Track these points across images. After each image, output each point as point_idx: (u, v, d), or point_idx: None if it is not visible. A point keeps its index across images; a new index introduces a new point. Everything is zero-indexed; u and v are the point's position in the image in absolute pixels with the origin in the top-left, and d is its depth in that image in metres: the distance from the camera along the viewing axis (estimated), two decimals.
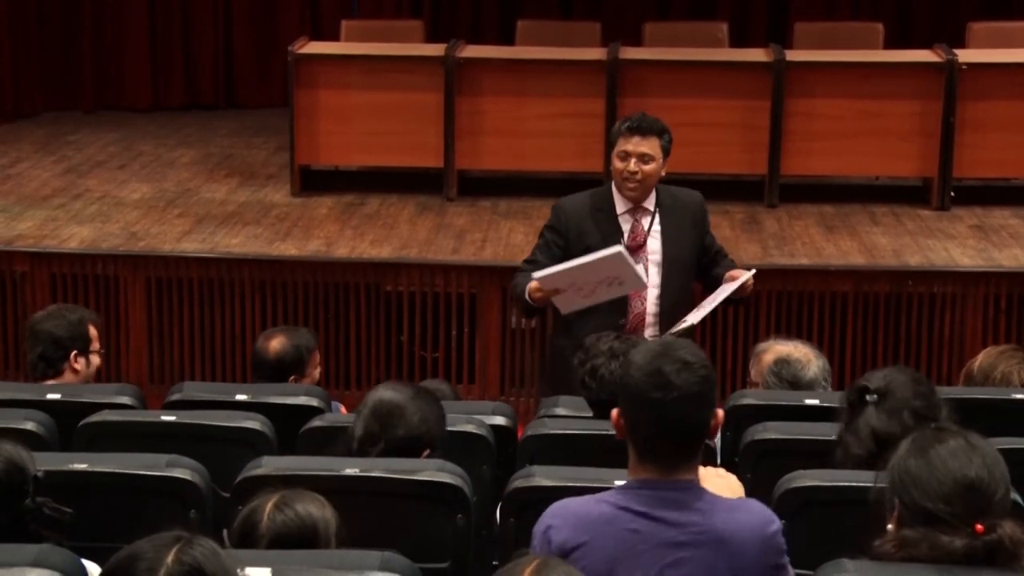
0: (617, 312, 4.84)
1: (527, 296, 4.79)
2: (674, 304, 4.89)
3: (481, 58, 7.88)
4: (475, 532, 3.29)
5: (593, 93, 7.69)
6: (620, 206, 4.89)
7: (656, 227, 4.90)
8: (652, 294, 4.87)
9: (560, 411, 4.03)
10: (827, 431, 3.53)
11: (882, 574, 2.50)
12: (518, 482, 3.26)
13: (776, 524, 2.72)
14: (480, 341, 6.77)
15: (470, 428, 3.71)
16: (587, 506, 2.71)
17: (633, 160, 4.79)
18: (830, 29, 8.51)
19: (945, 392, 3.79)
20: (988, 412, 3.89)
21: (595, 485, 3.12)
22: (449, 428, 3.65)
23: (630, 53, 7.89)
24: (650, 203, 4.90)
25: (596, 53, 7.94)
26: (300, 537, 2.72)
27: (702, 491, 2.70)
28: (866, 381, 3.29)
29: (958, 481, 2.53)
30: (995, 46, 8.03)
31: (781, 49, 7.83)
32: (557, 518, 2.71)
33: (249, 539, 2.74)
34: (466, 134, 7.76)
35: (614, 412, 2.75)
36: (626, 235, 4.87)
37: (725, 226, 7.38)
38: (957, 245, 7.02)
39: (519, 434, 3.93)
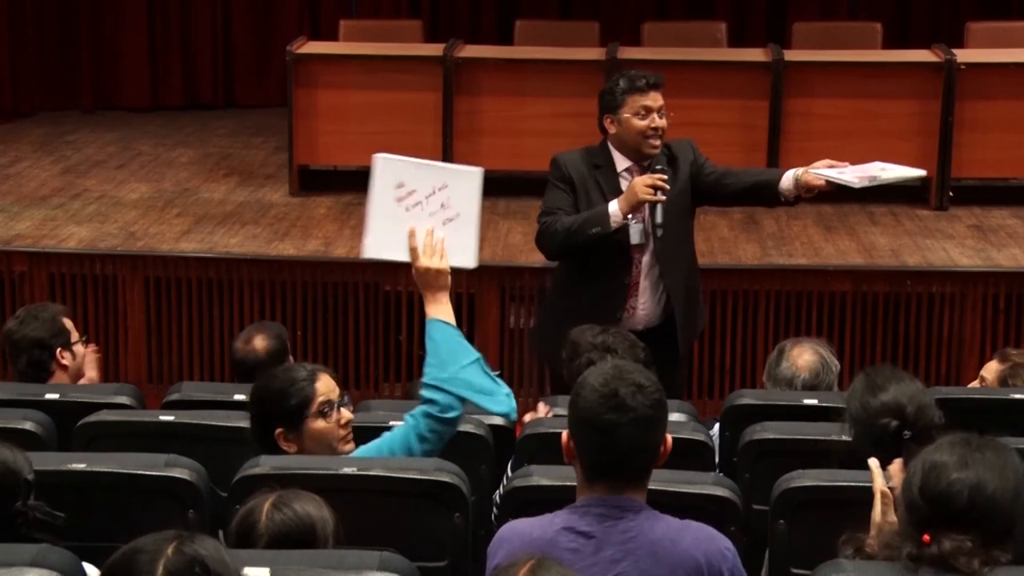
0: (622, 270, 4.80)
1: (613, 218, 4.66)
2: (673, 262, 4.85)
3: (480, 58, 7.88)
4: (473, 531, 3.29)
5: (591, 93, 7.52)
6: (620, 163, 4.84)
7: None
8: (652, 253, 4.85)
9: (559, 410, 4.03)
10: (826, 431, 3.54)
11: (877, 573, 2.49)
12: (517, 481, 3.26)
13: (719, 545, 2.69)
14: (478, 340, 6.76)
15: (468, 427, 3.71)
16: (532, 528, 2.73)
17: (655, 115, 4.75)
18: (828, 29, 8.51)
19: (943, 393, 3.80)
20: (984, 413, 3.89)
21: (549, 484, 3.13)
22: None
23: (629, 53, 7.89)
24: (646, 161, 4.85)
25: (595, 53, 7.94)
26: (298, 537, 2.72)
27: (648, 511, 2.70)
28: (891, 418, 3.17)
29: (928, 488, 2.49)
30: (994, 46, 8.03)
31: (780, 49, 7.83)
32: (505, 540, 2.73)
33: (247, 539, 2.74)
34: (465, 134, 7.75)
35: (564, 434, 2.75)
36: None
37: (724, 226, 7.38)
38: (956, 245, 7.02)
39: (518, 433, 3.93)
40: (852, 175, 4.68)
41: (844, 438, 3.35)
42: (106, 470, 3.26)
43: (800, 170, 4.72)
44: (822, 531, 3.02)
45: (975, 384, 4.36)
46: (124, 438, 3.69)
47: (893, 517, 2.79)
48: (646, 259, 4.86)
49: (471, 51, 7.97)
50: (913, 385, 3.30)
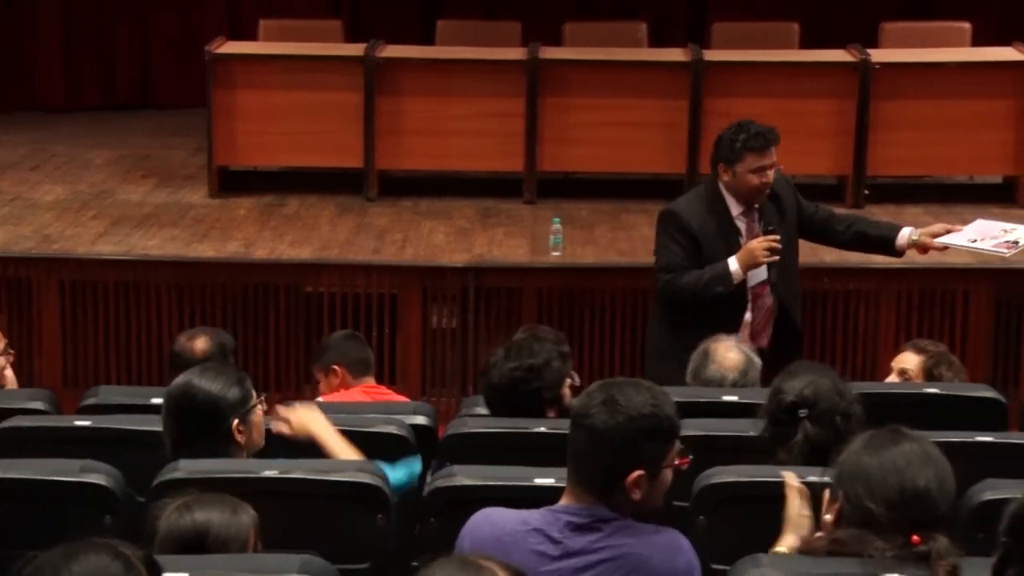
0: (739, 304, 4.99)
1: (735, 277, 4.90)
2: (790, 293, 5.15)
3: (401, 58, 7.86)
4: (396, 532, 3.27)
5: (514, 93, 7.70)
6: (733, 208, 5.05)
7: (760, 224, 5.05)
8: (772, 291, 5.09)
9: (481, 410, 4.03)
10: (745, 427, 3.57)
11: (796, 568, 2.52)
12: (438, 482, 3.26)
13: (687, 557, 2.71)
14: (401, 341, 6.75)
15: (390, 428, 3.70)
16: (507, 519, 2.73)
17: (768, 173, 4.97)
18: (748, 29, 8.58)
19: (859, 387, 3.85)
20: (900, 407, 3.95)
21: (515, 484, 3.13)
22: (369, 429, 3.64)
23: (550, 53, 7.91)
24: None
25: (517, 53, 7.95)
26: (190, 542, 2.70)
27: (621, 523, 2.70)
28: (790, 395, 3.30)
29: (907, 489, 2.55)
30: (907, 46, 8.14)
31: (699, 49, 7.89)
32: (476, 527, 2.73)
33: (151, 543, 2.72)
34: (387, 134, 7.73)
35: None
36: (744, 236, 5.03)
37: (645, 225, 7.41)
38: None
39: (440, 433, 3.92)
40: (984, 242, 5.07)
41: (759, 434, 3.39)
42: (20, 477, 3.21)
43: (916, 232, 5.07)
44: (742, 526, 3.05)
45: (892, 378, 4.41)
46: (39, 444, 3.63)
47: (808, 511, 2.82)
48: (767, 298, 5.09)
49: (393, 51, 7.94)
50: (824, 375, 3.36)
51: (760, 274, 5.03)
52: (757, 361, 4.26)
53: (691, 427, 3.66)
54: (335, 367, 4.80)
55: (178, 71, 10.05)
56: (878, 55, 7.79)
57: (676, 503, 3.41)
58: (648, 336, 5.48)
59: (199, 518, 2.73)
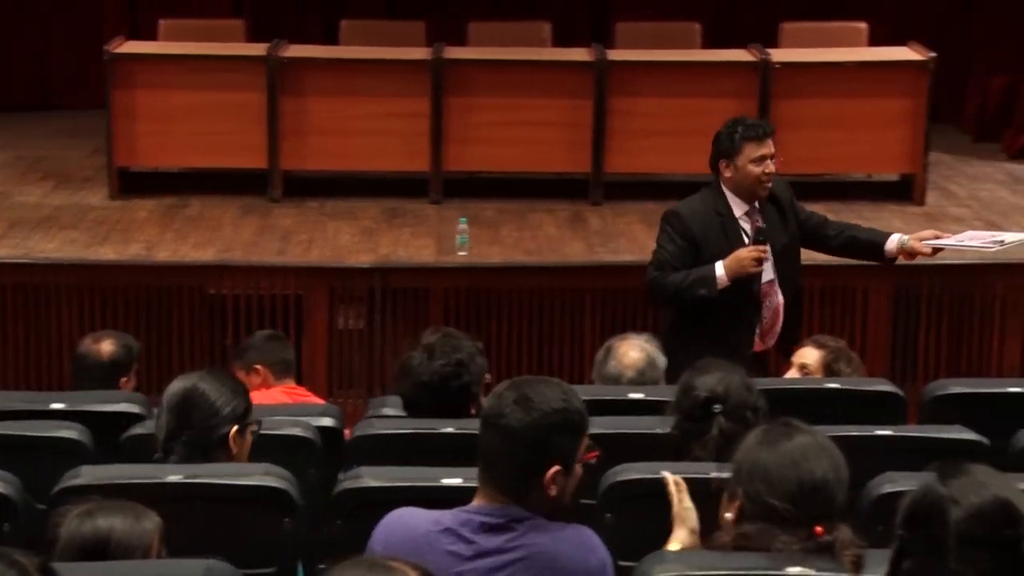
0: (752, 305, 5.03)
1: (719, 282, 4.92)
2: (792, 290, 5.14)
3: (305, 58, 7.82)
4: (304, 535, 3.25)
5: (418, 93, 7.69)
6: (737, 209, 5.08)
7: (762, 224, 5.08)
8: (778, 290, 5.12)
9: (388, 411, 4.01)
10: (652, 425, 3.60)
11: (700, 562, 2.55)
12: (346, 483, 3.24)
13: (599, 555, 2.72)
14: (307, 343, 6.71)
15: (296, 431, 3.67)
16: (420, 520, 2.72)
17: (769, 161, 5.00)
18: (650, 29, 8.65)
19: (762, 383, 3.90)
20: (801, 401, 4.01)
21: (423, 484, 3.13)
22: (275, 431, 3.61)
23: (455, 53, 7.91)
24: (758, 202, 5.10)
25: (421, 53, 7.94)
26: (91, 550, 2.66)
27: (534, 522, 2.70)
28: (703, 391, 3.33)
29: (805, 482, 2.59)
30: (806, 46, 8.26)
31: (603, 49, 7.94)
32: (388, 528, 2.72)
33: (51, 550, 2.67)
34: (291, 134, 7.68)
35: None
36: (749, 236, 5.05)
37: (551, 224, 7.46)
38: None
39: (347, 435, 3.90)
40: (972, 241, 5.23)
41: (670, 430, 3.42)
42: None
43: (906, 238, 5.12)
44: (649, 523, 3.07)
45: (792, 373, 4.47)
46: None
47: (688, 503, 2.87)
48: (775, 297, 5.12)
49: (296, 51, 7.89)
50: (733, 370, 3.40)
51: (767, 273, 5.06)
52: (660, 361, 4.29)
53: (597, 425, 3.68)
54: (257, 366, 4.77)
55: (76, 71, 9.88)
56: (778, 55, 7.90)
57: (583, 501, 3.43)
58: (665, 339, 5.51)
59: (101, 525, 2.69)
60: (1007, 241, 5.20)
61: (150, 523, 2.74)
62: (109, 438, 3.70)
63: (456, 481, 3.10)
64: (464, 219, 7.05)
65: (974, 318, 6.87)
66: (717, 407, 3.30)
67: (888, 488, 3.12)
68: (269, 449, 3.49)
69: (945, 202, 7.87)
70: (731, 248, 4.98)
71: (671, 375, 4.89)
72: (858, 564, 2.52)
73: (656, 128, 7.70)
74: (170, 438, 3.29)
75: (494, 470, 2.72)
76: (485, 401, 2.80)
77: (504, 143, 7.73)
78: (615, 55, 7.94)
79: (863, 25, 8.59)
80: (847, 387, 4.24)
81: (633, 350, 4.27)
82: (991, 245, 5.21)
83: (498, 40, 8.34)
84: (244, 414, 3.35)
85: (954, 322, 6.87)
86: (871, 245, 5.17)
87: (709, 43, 8.59)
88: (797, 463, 2.60)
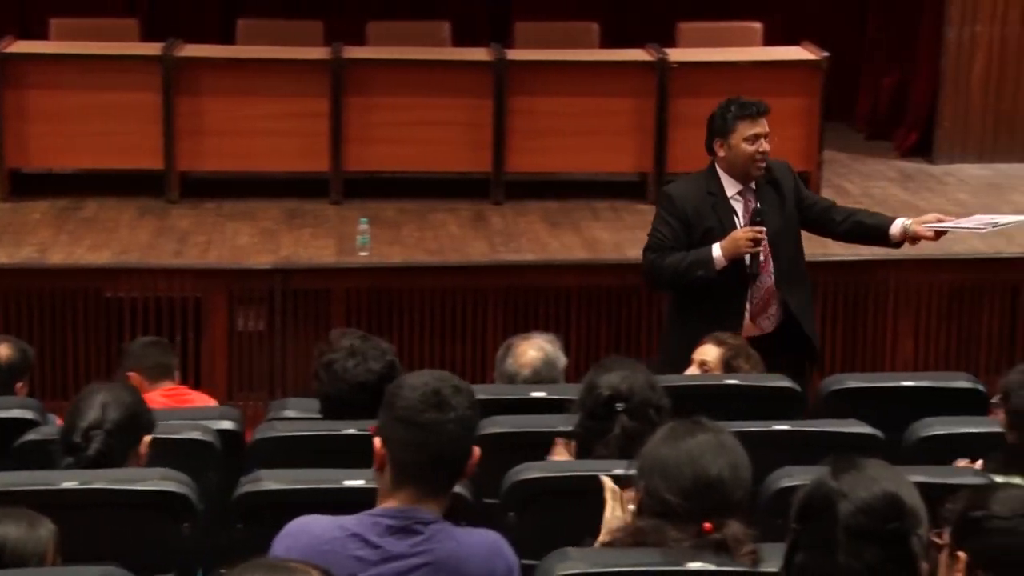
0: (743, 285, 5.03)
1: (716, 263, 4.95)
2: (790, 276, 5.12)
3: (201, 57, 7.73)
4: (203, 540, 3.22)
5: (317, 92, 7.64)
6: (730, 189, 5.09)
7: (758, 205, 5.08)
8: (772, 271, 5.11)
9: (290, 413, 3.98)
10: (554, 423, 3.61)
11: (602, 559, 2.57)
12: (246, 487, 3.21)
13: (506, 559, 2.72)
14: (206, 345, 6.64)
15: (195, 435, 3.63)
16: (324, 527, 2.69)
17: (763, 140, 5.03)
18: (549, 29, 8.68)
19: (665, 380, 3.93)
20: (703, 398, 4.05)
21: (324, 486, 3.11)
22: (174, 436, 3.57)
23: (354, 52, 7.88)
24: (753, 183, 5.11)
25: (319, 52, 7.89)
26: None
27: (441, 525, 2.70)
28: (606, 390, 3.35)
29: (700, 478, 2.62)
30: (702, 45, 8.35)
31: (502, 48, 7.95)
32: (291, 536, 2.69)
33: None
34: (187, 135, 7.58)
35: (376, 440, 2.71)
36: (740, 216, 5.06)
37: (452, 224, 7.46)
38: None
39: (247, 438, 3.87)
40: (968, 223, 5.27)
41: (572, 428, 3.44)
42: None
43: (909, 221, 5.13)
44: (552, 521, 3.09)
45: (693, 369, 4.52)
46: None
47: (621, 512, 2.88)
48: (766, 277, 5.09)
49: (192, 50, 7.79)
50: (636, 368, 3.43)
51: (759, 255, 5.06)
52: (559, 361, 4.29)
53: (500, 424, 3.70)
54: (129, 374, 4.72)
55: None
56: (675, 54, 7.97)
57: (487, 500, 3.44)
58: (666, 316, 5.57)
59: None
60: (1000, 223, 5.24)
61: (45, 531, 2.69)
62: (2, 444, 3.63)
63: (359, 483, 3.08)
64: (365, 219, 7.02)
65: (868, 313, 7.00)
66: (620, 405, 3.31)
67: (785, 482, 3.17)
68: (167, 453, 3.45)
69: (839, 199, 7.99)
70: (722, 228, 5.01)
71: (668, 352, 5.04)
72: (754, 559, 2.56)
73: (556, 127, 7.74)
74: (94, 427, 3.24)
75: (435, 470, 2.68)
76: (402, 400, 2.70)
77: (404, 143, 7.71)
78: (514, 55, 7.96)
79: (758, 25, 8.70)
80: (747, 383, 4.29)
81: (532, 349, 4.27)
82: (985, 227, 5.26)
83: (397, 40, 8.31)
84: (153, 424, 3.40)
85: (849, 317, 6.99)
86: (877, 230, 5.17)
87: (606, 43, 8.64)
88: (694, 460, 2.63)
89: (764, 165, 5.07)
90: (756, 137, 5.04)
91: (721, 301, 5.03)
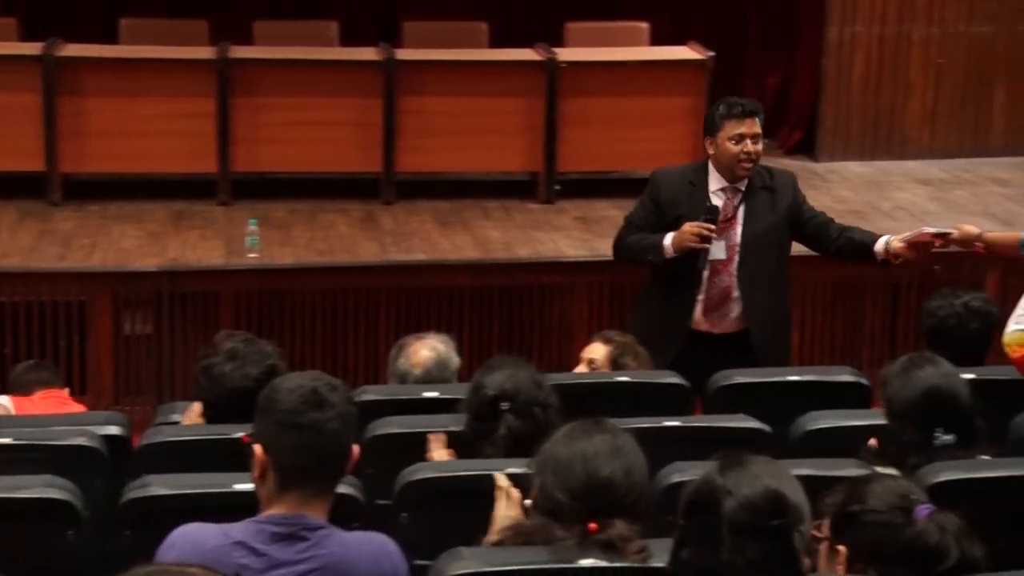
0: (690, 287, 5.06)
1: (665, 251, 5.02)
2: (752, 283, 5.10)
3: (83, 57, 7.59)
4: (90, 547, 3.16)
5: (204, 93, 7.55)
6: (714, 183, 5.10)
7: (742, 208, 5.09)
8: (734, 272, 5.10)
9: (178, 417, 3.93)
10: (446, 423, 3.61)
11: (495, 558, 2.57)
12: (133, 492, 3.17)
13: (394, 561, 2.70)
14: (92, 349, 6.52)
15: (81, 440, 3.56)
16: (208, 535, 2.66)
17: (748, 141, 5.03)
18: (437, 28, 8.67)
19: (555, 379, 3.96)
20: (594, 395, 4.09)
21: (214, 491, 3.07)
22: (58, 442, 3.50)
23: (240, 52, 7.79)
24: (742, 184, 5.10)
25: (205, 52, 7.79)
26: None
27: (327, 530, 2.68)
28: (491, 389, 3.35)
29: (590, 479, 2.64)
30: (590, 45, 8.41)
31: (391, 48, 7.93)
32: (175, 546, 2.65)
33: None
34: (70, 136, 7.44)
35: (256, 448, 2.69)
36: (719, 212, 5.05)
37: (343, 224, 7.42)
38: (564, 237, 7.32)
39: (135, 443, 3.81)
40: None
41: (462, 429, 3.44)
42: None
43: (892, 238, 5.09)
44: (445, 521, 3.09)
45: (581, 368, 4.55)
46: None
47: (514, 511, 2.89)
48: (728, 275, 5.09)
49: (73, 50, 7.65)
50: (522, 367, 3.44)
51: (719, 251, 5.06)
52: (452, 362, 4.29)
53: (392, 425, 3.69)
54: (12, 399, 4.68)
55: None
56: (564, 54, 8.01)
57: (379, 501, 3.43)
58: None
59: None
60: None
61: None
62: None
63: (249, 486, 3.04)
64: (254, 220, 6.96)
65: None
66: (504, 405, 3.32)
67: (675, 478, 3.20)
68: (52, 460, 3.39)
69: None
70: (692, 219, 5.03)
71: (634, 330, 5.05)
72: (642, 556, 2.58)
73: (446, 127, 7.73)
74: None
75: (320, 471, 2.66)
76: (286, 403, 2.67)
77: (293, 143, 7.65)
78: (403, 54, 7.95)
79: (644, 25, 8.78)
80: (638, 380, 4.33)
81: (424, 349, 4.27)
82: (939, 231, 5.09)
83: (284, 39, 8.24)
84: None
85: None
86: (864, 247, 5.14)
87: (495, 43, 8.66)
88: (587, 460, 2.65)
89: (750, 166, 5.08)
90: (741, 137, 5.05)
91: (674, 291, 5.11)
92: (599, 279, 6.92)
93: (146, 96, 7.53)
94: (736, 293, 5.11)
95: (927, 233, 5.04)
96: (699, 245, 4.98)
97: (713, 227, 4.98)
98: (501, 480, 2.96)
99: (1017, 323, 3.84)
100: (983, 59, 8.89)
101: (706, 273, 5.07)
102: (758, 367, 4.83)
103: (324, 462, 2.65)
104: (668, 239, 5.03)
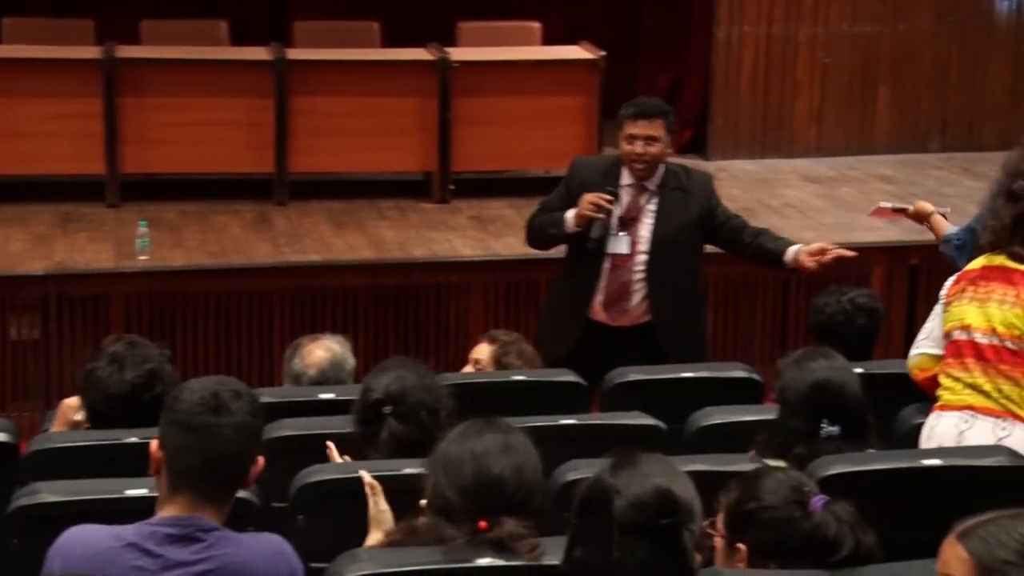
0: (591, 277, 5.10)
1: (567, 224, 5.08)
2: (660, 283, 5.11)
3: None
4: None
5: (90, 93, 7.42)
6: (626, 179, 5.14)
7: (652, 207, 5.12)
8: (638, 269, 5.12)
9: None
10: (341, 424, 3.59)
11: (391, 560, 2.57)
12: (22, 500, 3.11)
13: (289, 563, 2.69)
14: None
15: None
16: (99, 537, 2.63)
17: (639, 143, 5.07)
18: (329, 28, 8.62)
19: (451, 379, 3.96)
20: (490, 394, 4.09)
21: (105, 497, 3.03)
22: None
23: (128, 52, 7.68)
24: (653, 183, 5.14)
25: (91, 52, 7.66)
26: None
27: (222, 533, 2.66)
28: (377, 392, 3.34)
29: (481, 476, 2.64)
30: (483, 45, 8.42)
31: (282, 48, 7.87)
32: (65, 548, 2.61)
33: None
34: None
35: (153, 444, 2.66)
36: (623, 206, 5.09)
37: (235, 226, 7.34)
38: (459, 236, 7.32)
39: (23, 449, 3.74)
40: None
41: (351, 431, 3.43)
42: None
43: (801, 247, 5.13)
44: (341, 523, 3.07)
45: (468, 368, 4.55)
46: None
47: (384, 505, 2.89)
48: (628, 271, 5.11)
49: None
50: (411, 370, 3.42)
51: (621, 246, 5.09)
52: (347, 363, 4.27)
53: (287, 427, 3.67)
54: None
55: None
56: (457, 54, 8.02)
57: (275, 504, 3.41)
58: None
59: None
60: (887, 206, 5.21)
61: None
62: None
63: (141, 491, 3.01)
64: (144, 222, 6.86)
65: None
66: (387, 409, 3.31)
67: (571, 476, 3.22)
68: None
69: None
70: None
71: (539, 321, 5.20)
72: (535, 555, 2.59)
73: (339, 127, 7.69)
74: None
75: (211, 475, 2.63)
76: (181, 405, 2.66)
77: (184, 144, 7.56)
78: (295, 54, 7.89)
79: (536, 25, 8.82)
80: (534, 378, 4.35)
81: (320, 349, 4.24)
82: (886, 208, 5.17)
83: (172, 39, 8.13)
84: None
85: None
86: (774, 255, 5.16)
87: (388, 42, 8.64)
88: (477, 458, 2.66)
89: (641, 167, 5.11)
90: (633, 138, 5.10)
91: (576, 282, 5.18)
92: (495, 278, 6.94)
93: (31, 97, 7.39)
94: (636, 288, 5.16)
95: (886, 208, 5.19)
96: (594, 214, 5.03)
97: (610, 199, 5.04)
98: (366, 477, 2.97)
99: (917, 347, 3.93)
100: (867, 58, 9.07)
101: (607, 265, 5.11)
102: (662, 363, 4.86)
103: (213, 467, 2.63)
104: (570, 212, 5.11)
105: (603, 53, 8.03)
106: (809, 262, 5.05)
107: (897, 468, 3.34)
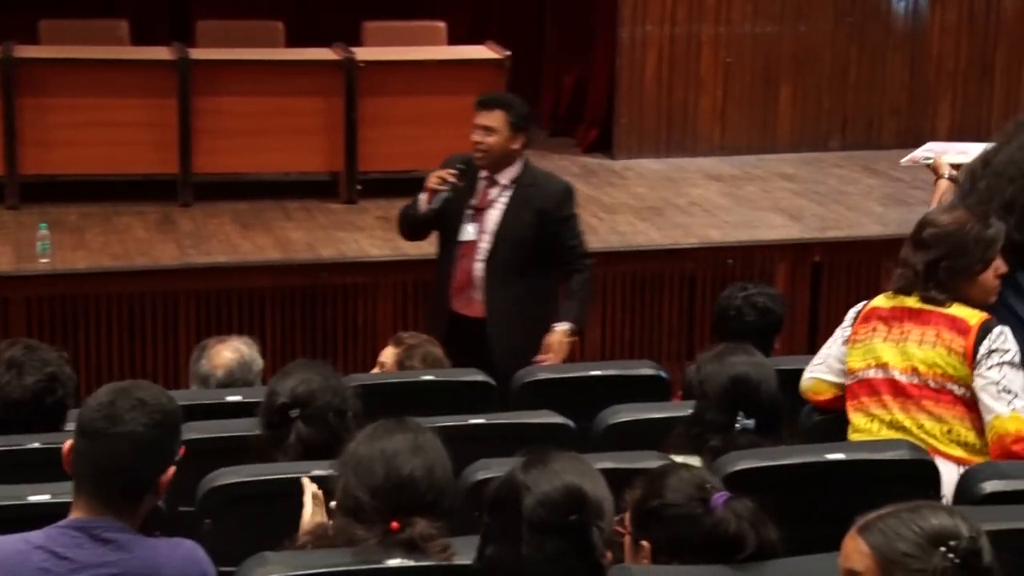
0: (448, 264, 5.23)
1: (420, 203, 5.21)
2: (495, 274, 5.16)
3: None
4: None
5: None
6: (484, 171, 5.23)
7: (503, 201, 5.20)
8: (479, 259, 5.19)
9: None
10: (248, 427, 3.57)
11: (302, 562, 2.56)
12: None
13: (201, 567, 2.67)
14: None
15: None
16: (7, 542, 2.60)
17: (478, 132, 5.17)
18: (232, 27, 8.55)
19: (360, 379, 3.95)
20: (398, 395, 4.09)
21: (7, 503, 2.99)
22: None
23: (26, 51, 7.56)
24: (506, 177, 5.21)
25: None
26: None
27: (132, 536, 2.63)
28: (283, 396, 3.32)
29: (390, 477, 2.64)
30: (388, 44, 8.41)
31: (184, 47, 7.79)
32: None
33: None
34: None
35: (67, 443, 2.65)
36: (477, 196, 5.20)
37: (139, 228, 7.26)
38: (367, 236, 7.30)
39: None
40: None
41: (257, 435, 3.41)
42: None
43: (556, 332, 5.13)
44: (249, 526, 3.05)
45: (375, 370, 4.54)
46: None
47: (321, 517, 2.87)
48: (471, 260, 5.20)
49: None
50: (318, 372, 3.40)
51: (468, 234, 5.17)
52: (255, 364, 4.24)
53: (194, 430, 3.63)
54: None
55: None
56: (362, 53, 7.99)
57: (182, 508, 3.37)
58: None
59: None
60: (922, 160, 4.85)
61: None
62: None
63: (44, 497, 2.97)
64: (45, 224, 6.75)
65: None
66: (294, 412, 3.29)
67: (481, 475, 3.23)
68: None
69: None
70: (460, 199, 5.17)
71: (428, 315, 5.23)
72: (446, 555, 2.60)
73: (244, 127, 7.64)
74: None
75: (105, 482, 2.61)
76: (85, 410, 2.65)
77: (85, 145, 7.46)
78: (198, 54, 7.81)
79: (442, 24, 8.82)
80: (443, 378, 4.35)
81: (227, 350, 4.21)
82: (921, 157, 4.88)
83: (72, 38, 8.02)
84: None
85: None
86: (555, 315, 5.19)
87: (292, 42, 8.58)
88: (388, 459, 2.66)
89: (479, 156, 5.18)
90: (475, 128, 5.20)
91: (439, 270, 5.33)
92: (403, 278, 6.93)
93: None
94: (478, 279, 5.23)
95: (917, 157, 4.81)
96: (437, 186, 5.14)
97: (455, 173, 5.14)
98: (307, 484, 2.94)
99: (812, 372, 3.97)
100: (769, 58, 9.20)
101: (457, 253, 5.21)
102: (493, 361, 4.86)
103: (105, 474, 2.61)
104: (423, 193, 5.23)
105: (508, 53, 8.05)
106: (542, 357, 5.08)
107: (802, 463, 3.39)
